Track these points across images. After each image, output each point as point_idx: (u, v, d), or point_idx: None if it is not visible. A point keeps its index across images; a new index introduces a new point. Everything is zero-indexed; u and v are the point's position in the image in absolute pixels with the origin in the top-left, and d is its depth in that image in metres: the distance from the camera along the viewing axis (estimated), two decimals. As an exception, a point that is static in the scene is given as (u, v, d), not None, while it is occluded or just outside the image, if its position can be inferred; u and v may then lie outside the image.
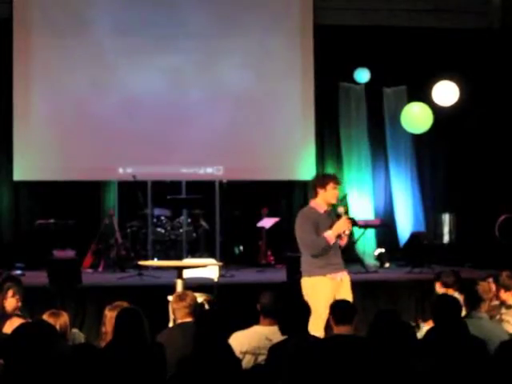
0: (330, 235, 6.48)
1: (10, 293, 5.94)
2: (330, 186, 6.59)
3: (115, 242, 11.00)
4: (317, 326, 5.86)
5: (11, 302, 5.94)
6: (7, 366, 3.85)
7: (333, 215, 6.70)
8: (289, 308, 4.98)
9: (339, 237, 6.58)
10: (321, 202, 6.62)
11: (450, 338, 4.61)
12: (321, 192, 6.60)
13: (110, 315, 5.17)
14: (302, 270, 6.65)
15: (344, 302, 5.16)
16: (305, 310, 4.96)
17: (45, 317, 5.26)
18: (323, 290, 6.38)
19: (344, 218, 6.56)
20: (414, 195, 12.50)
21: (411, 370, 3.83)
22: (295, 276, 9.02)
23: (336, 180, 6.65)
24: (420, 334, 4.84)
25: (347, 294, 6.45)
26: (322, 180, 6.67)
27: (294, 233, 6.69)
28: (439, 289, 6.68)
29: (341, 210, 6.70)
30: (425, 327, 5.37)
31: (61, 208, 11.29)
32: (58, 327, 5.10)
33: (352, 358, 4.18)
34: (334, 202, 6.68)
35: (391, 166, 12.59)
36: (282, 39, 11.90)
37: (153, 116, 11.47)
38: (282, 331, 4.88)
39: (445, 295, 5.76)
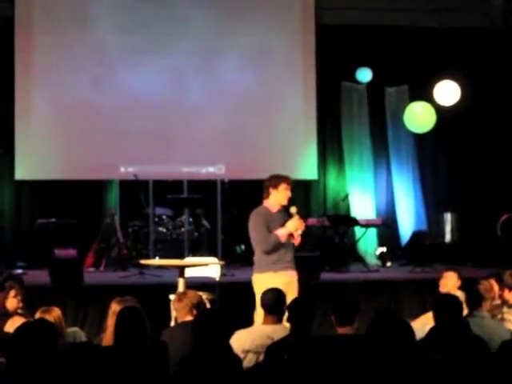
0: (281, 233, 6.57)
1: (12, 293, 5.94)
2: (282, 187, 6.68)
3: (117, 241, 10.98)
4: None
5: (13, 302, 5.93)
6: (9, 365, 3.85)
7: (286, 215, 6.74)
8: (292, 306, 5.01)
9: (292, 236, 6.65)
10: (273, 202, 6.72)
11: (451, 338, 4.60)
12: (273, 193, 6.70)
13: (114, 308, 5.17)
14: (254, 268, 6.74)
15: (346, 303, 5.09)
16: (307, 309, 4.97)
17: (37, 315, 5.25)
18: (275, 286, 6.42)
19: (296, 217, 6.63)
20: (415, 194, 12.49)
21: (411, 370, 3.82)
22: (297, 275, 9.05)
23: (288, 181, 6.73)
24: (421, 334, 4.83)
25: (294, 295, 6.39)
26: (275, 181, 6.73)
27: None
28: (453, 284, 6.74)
29: (293, 210, 6.73)
30: (427, 326, 5.35)
31: (62, 207, 11.29)
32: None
33: (353, 357, 4.18)
34: (285, 203, 6.74)
35: (393, 166, 12.57)
36: (284, 39, 11.88)
37: (154, 115, 11.46)
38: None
39: (445, 294, 5.76)
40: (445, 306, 4.91)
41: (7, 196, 11.63)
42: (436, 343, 4.59)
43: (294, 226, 6.59)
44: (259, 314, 5.94)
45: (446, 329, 4.73)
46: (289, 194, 6.71)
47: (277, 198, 6.69)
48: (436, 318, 4.95)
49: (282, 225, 6.62)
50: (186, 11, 11.60)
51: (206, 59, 11.64)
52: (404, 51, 12.15)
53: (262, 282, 6.48)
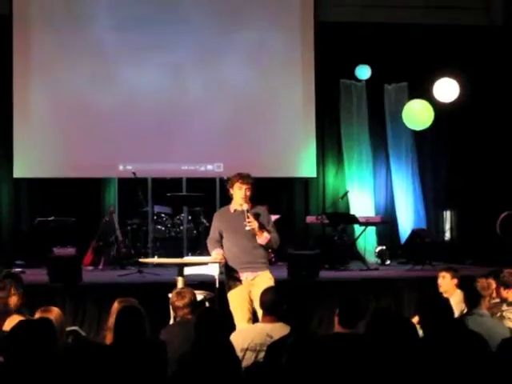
0: (211, 256, 6.86)
1: (10, 290, 5.89)
2: (236, 187, 6.78)
3: (115, 240, 10.97)
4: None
5: (11, 300, 5.88)
6: (7, 363, 3.84)
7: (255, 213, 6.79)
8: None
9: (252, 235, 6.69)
10: (234, 201, 6.84)
11: (445, 338, 4.53)
12: (232, 192, 6.85)
13: (118, 308, 5.14)
14: None
15: (353, 306, 4.90)
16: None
17: (37, 315, 5.20)
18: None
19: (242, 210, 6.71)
20: (415, 192, 12.48)
21: (409, 368, 3.80)
22: (297, 273, 9.04)
23: (241, 180, 6.76)
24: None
25: (256, 292, 6.31)
26: (231, 181, 6.87)
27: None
28: (447, 283, 6.73)
29: (243, 207, 6.75)
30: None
31: (61, 205, 11.27)
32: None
33: (351, 355, 4.15)
34: (241, 201, 6.76)
35: (392, 163, 12.57)
36: (283, 36, 11.87)
37: (153, 113, 11.45)
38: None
39: (429, 297, 5.54)
40: (428, 310, 4.70)
41: (5, 194, 11.62)
42: (433, 342, 4.54)
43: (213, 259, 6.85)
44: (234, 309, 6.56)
45: (433, 333, 4.53)
46: (243, 193, 6.74)
47: (235, 198, 6.82)
48: (422, 324, 4.65)
49: (238, 225, 6.68)
50: (184, 8, 11.59)
51: (204, 57, 11.62)
52: (403, 48, 12.15)
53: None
